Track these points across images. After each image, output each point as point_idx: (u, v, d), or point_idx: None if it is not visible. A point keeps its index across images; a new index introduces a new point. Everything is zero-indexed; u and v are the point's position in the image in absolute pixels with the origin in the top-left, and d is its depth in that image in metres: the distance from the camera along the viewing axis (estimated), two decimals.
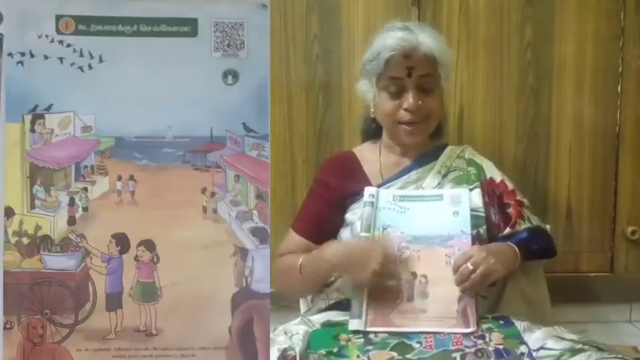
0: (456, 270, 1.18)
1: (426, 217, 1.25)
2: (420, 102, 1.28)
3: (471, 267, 1.16)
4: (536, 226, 1.34)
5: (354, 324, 1.16)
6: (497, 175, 1.37)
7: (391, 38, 1.28)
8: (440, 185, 1.33)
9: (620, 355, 1.02)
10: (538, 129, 1.71)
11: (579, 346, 1.06)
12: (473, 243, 1.24)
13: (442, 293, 1.18)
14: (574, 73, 1.70)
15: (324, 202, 1.38)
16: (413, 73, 1.28)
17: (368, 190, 1.30)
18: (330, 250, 1.24)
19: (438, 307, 1.17)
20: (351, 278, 1.20)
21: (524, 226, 1.32)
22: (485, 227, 1.29)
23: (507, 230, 1.31)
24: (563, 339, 1.09)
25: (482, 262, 1.16)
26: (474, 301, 1.17)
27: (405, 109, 1.29)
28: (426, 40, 1.29)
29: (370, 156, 1.42)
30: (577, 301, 1.74)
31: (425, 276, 1.19)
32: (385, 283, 1.18)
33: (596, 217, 1.75)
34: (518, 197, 1.35)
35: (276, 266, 1.34)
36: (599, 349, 1.04)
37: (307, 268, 1.26)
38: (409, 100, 1.28)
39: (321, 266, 1.24)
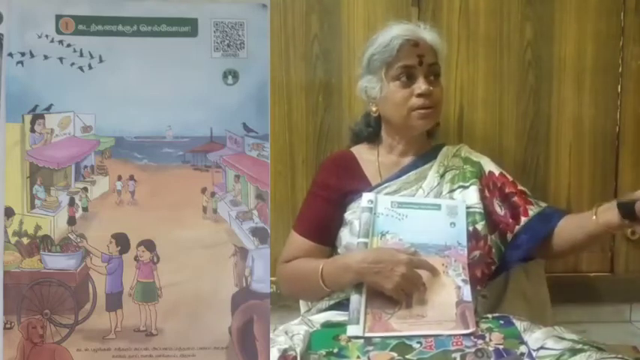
0: None
1: (423, 225, 1.26)
2: (430, 88, 1.31)
3: None
4: (546, 207, 1.33)
5: (353, 330, 1.15)
6: (495, 169, 1.38)
7: (398, 29, 1.33)
8: (439, 185, 1.33)
9: (620, 355, 1.02)
10: (538, 129, 1.71)
11: (579, 346, 1.06)
12: (469, 239, 1.25)
13: (440, 300, 1.18)
14: (574, 73, 1.70)
15: (325, 202, 1.38)
16: (424, 61, 1.31)
17: (366, 196, 1.29)
18: (356, 258, 1.22)
19: (436, 312, 1.17)
20: (379, 285, 1.18)
21: (536, 210, 1.31)
22: (483, 223, 1.29)
23: (523, 220, 1.30)
24: (563, 339, 1.09)
25: None
26: (473, 306, 1.18)
27: (419, 95, 1.31)
28: (427, 33, 1.34)
29: (368, 156, 1.42)
30: (577, 301, 1.74)
31: (423, 283, 1.19)
32: (413, 289, 1.18)
33: None
34: (519, 187, 1.35)
35: (285, 272, 1.35)
36: (599, 349, 1.04)
37: (330, 277, 1.25)
38: (421, 86, 1.30)
39: (347, 276, 1.22)
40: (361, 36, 1.64)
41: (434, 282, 1.20)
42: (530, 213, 1.31)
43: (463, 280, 1.20)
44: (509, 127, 1.71)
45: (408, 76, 1.31)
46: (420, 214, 1.28)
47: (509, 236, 1.31)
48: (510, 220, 1.31)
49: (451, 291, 1.19)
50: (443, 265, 1.22)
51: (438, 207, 1.29)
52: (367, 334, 1.14)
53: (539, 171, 1.72)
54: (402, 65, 1.31)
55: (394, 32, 1.32)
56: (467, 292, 1.19)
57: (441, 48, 1.36)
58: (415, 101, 1.31)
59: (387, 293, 1.17)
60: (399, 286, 1.16)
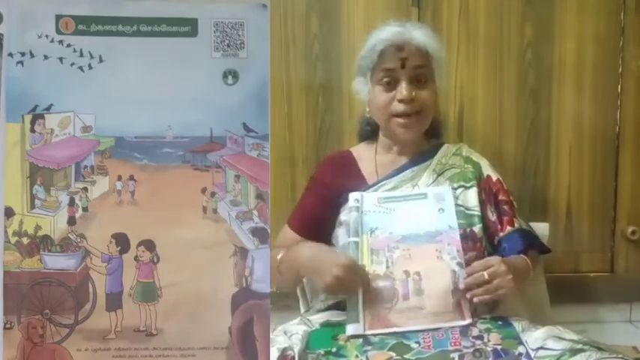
0: (469, 274, 1.18)
1: (412, 216, 1.26)
2: (413, 93, 1.28)
3: (486, 277, 1.16)
4: (527, 227, 1.36)
5: (353, 329, 1.15)
6: (493, 174, 1.38)
7: (385, 32, 1.30)
8: (436, 183, 1.34)
9: (620, 355, 1.02)
10: (538, 129, 1.71)
11: (579, 346, 1.06)
12: (467, 241, 1.25)
13: (436, 288, 1.17)
14: (574, 73, 1.70)
15: (319, 199, 1.38)
16: (406, 64, 1.28)
17: (353, 196, 1.30)
18: (302, 250, 1.25)
19: (434, 302, 1.17)
20: (315, 280, 1.21)
21: (519, 224, 1.34)
22: (480, 226, 1.29)
23: (508, 229, 1.32)
24: (563, 339, 1.09)
25: (500, 276, 1.17)
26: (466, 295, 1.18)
27: (399, 100, 1.29)
28: (419, 35, 1.30)
29: (366, 155, 1.42)
30: (577, 301, 1.74)
31: (418, 273, 1.19)
32: (345, 292, 1.19)
33: (596, 217, 1.75)
34: (511, 198, 1.37)
35: None
36: (599, 349, 1.04)
37: (284, 266, 1.27)
38: (402, 90, 1.28)
39: (294, 266, 1.25)
40: (361, 36, 1.63)
41: (428, 269, 1.19)
42: (516, 225, 1.33)
43: (458, 264, 1.19)
44: (509, 127, 1.71)
45: (391, 80, 1.30)
46: (407, 205, 1.27)
47: (495, 242, 1.32)
48: (498, 227, 1.32)
49: (446, 277, 1.18)
50: (437, 250, 1.21)
51: (424, 196, 1.28)
52: (368, 332, 1.14)
53: (539, 171, 1.73)
54: (384, 68, 1.29)
55: (381, 36, 1.30)
56: (462, 279, 1.18)
57: (435, 49, 1.32)
58: (396, 106, 1.30)
59: (322, 289, 1.20)
60: (330, 286, 1.16)
